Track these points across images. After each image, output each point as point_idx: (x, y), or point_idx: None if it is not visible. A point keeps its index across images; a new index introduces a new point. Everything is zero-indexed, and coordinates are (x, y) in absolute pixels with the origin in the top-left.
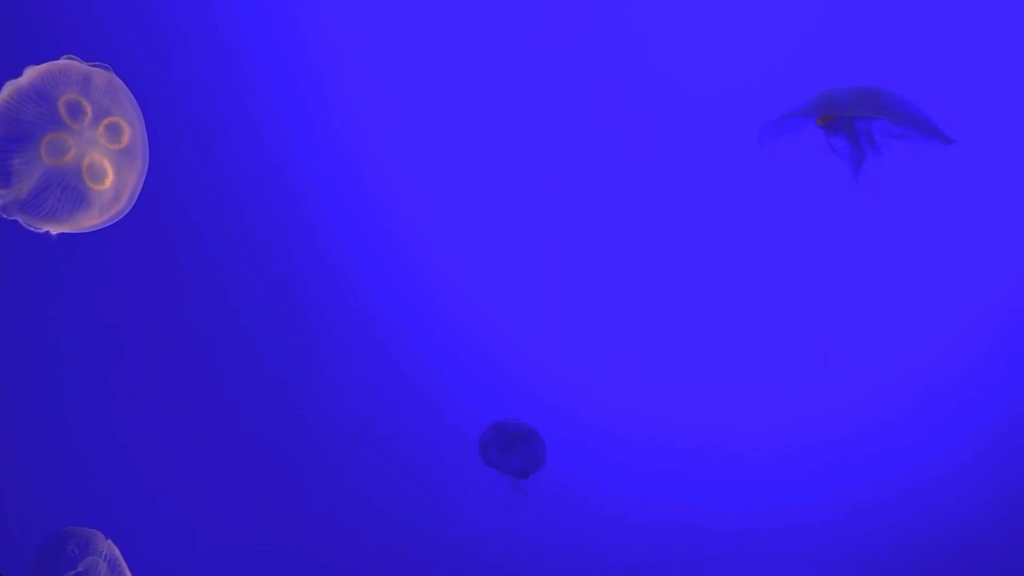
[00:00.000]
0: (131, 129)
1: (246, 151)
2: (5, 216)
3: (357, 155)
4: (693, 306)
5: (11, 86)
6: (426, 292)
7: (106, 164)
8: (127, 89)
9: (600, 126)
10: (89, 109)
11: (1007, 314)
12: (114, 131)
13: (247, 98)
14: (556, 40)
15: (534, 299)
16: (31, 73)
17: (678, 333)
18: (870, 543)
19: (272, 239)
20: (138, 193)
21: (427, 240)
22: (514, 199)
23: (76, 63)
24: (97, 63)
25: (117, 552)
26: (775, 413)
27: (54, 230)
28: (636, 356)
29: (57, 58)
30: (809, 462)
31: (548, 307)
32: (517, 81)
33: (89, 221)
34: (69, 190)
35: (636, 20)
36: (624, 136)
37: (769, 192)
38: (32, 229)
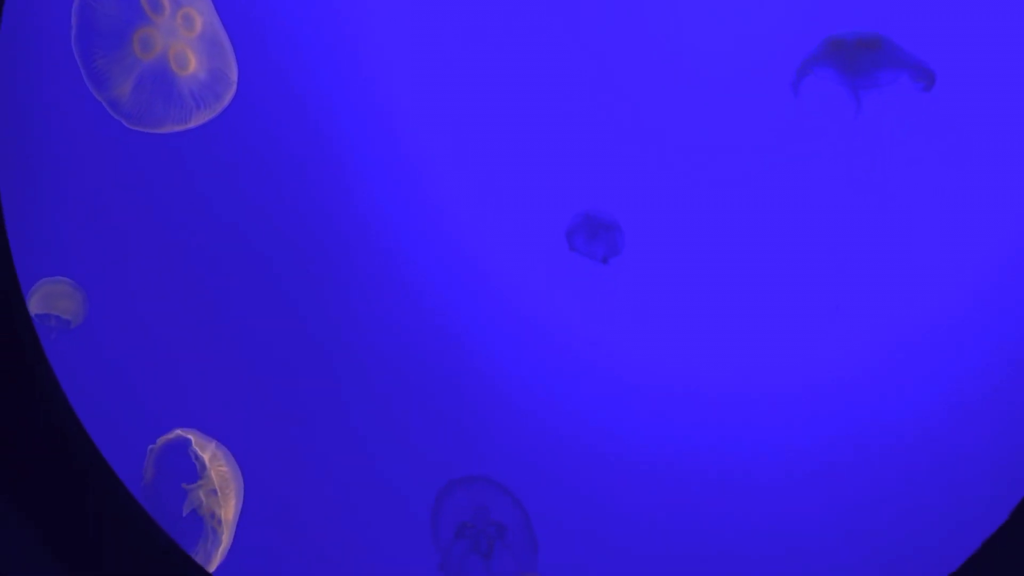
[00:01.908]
0: (201, 16)
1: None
2: (112, 113)
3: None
4: (684, 254)
5: None
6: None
7: (188, 52)
8: None
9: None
10: (166, 1)
11: (998, 266)
12: (188, 20)
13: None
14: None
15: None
16: None
17: (670, 280)
18: (857, 491)
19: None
20: (236, 77)
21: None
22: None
23: None
24: None
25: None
26: (767, 360)
27: (156, 129)
28: (637, 307)
29: None
30: (799, 409)
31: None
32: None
33: (188, 115)
34: (161, 83)
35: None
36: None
37: (777, 138)
38: (134, 128)
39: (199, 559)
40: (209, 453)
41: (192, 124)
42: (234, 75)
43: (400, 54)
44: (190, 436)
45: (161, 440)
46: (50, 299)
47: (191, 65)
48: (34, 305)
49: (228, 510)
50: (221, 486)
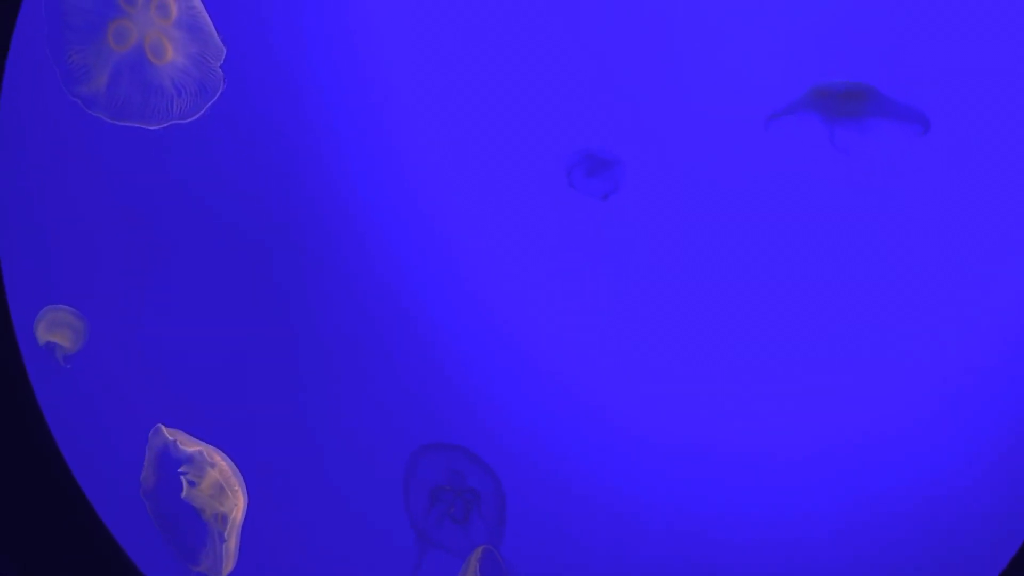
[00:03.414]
0: (176, 2)
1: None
2: (87, 110)
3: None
4: (702, 310)
5: None
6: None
7: (164, 40)
8: None
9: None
10: None
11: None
12: (163, 8)
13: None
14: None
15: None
16: None
17: (685, 337)
18: (881, 555)
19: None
20: (215, 68)
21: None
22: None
23: None
24: None
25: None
26: (784, 421)
27: (139, 123)
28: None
29: None
30: (820, 472)
31: (564, 297)
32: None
33: (170, 105)
34: (138, 73)
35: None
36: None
37: (775, 190)
38: (114, 123)
39: (208, 564)
40: (208, 454)
41: (177, 114)
42: (218, 60)
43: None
44: (188, 442)
45: (158, 441)
46: (52, 328)
47: (168, 53)
48: (39, 334)
49: (235, 510)
50: (226, 487)
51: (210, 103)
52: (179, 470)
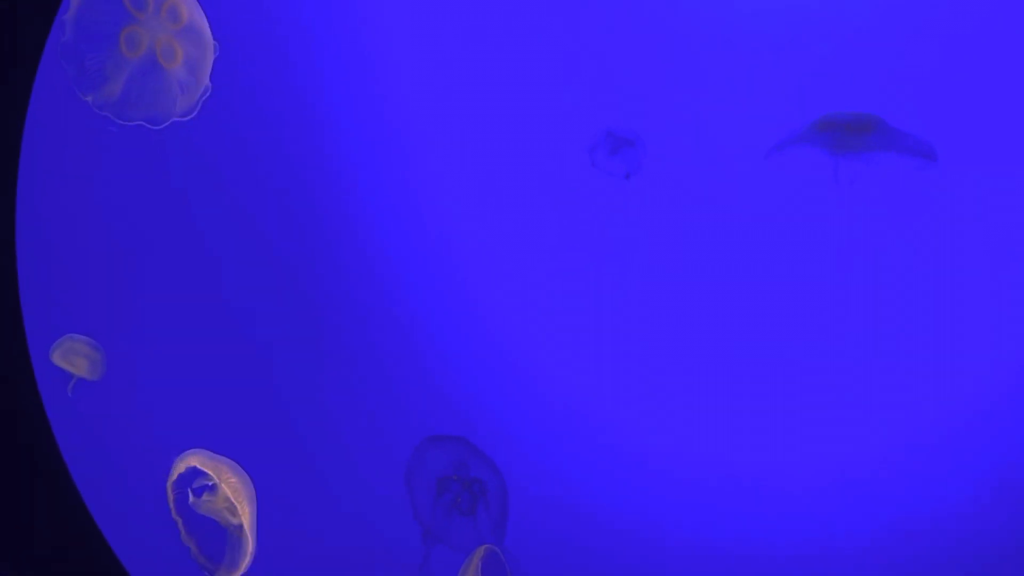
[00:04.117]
0: (186, 7)
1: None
2: (99, 112)
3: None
4: (719, 339)
5: None
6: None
7: (175, 44)
8: None
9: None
10: None
11: None
12: (173, 13)
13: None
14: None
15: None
16: None
17: (704, 365)
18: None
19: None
20: (211, 67)
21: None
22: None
23: None
24: None
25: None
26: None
27: (145, 119)
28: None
29: None
30: (843, 496)
31: (562, 310)
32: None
33: (174, 104)
34: (149, 77)
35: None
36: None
37: (795, 220)
38: (124, 123)
39: (228, 567)
40: (216, 469)
41: (180, 113)
42: (212, 58)
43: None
44: (197, 459)
45: (175, 471)
46: (69, 357)
47: (178, 57)
48: (55, 359)
49: (246, 517)
50: (235, 496)
51: (204, 98)
52: (192, 487)
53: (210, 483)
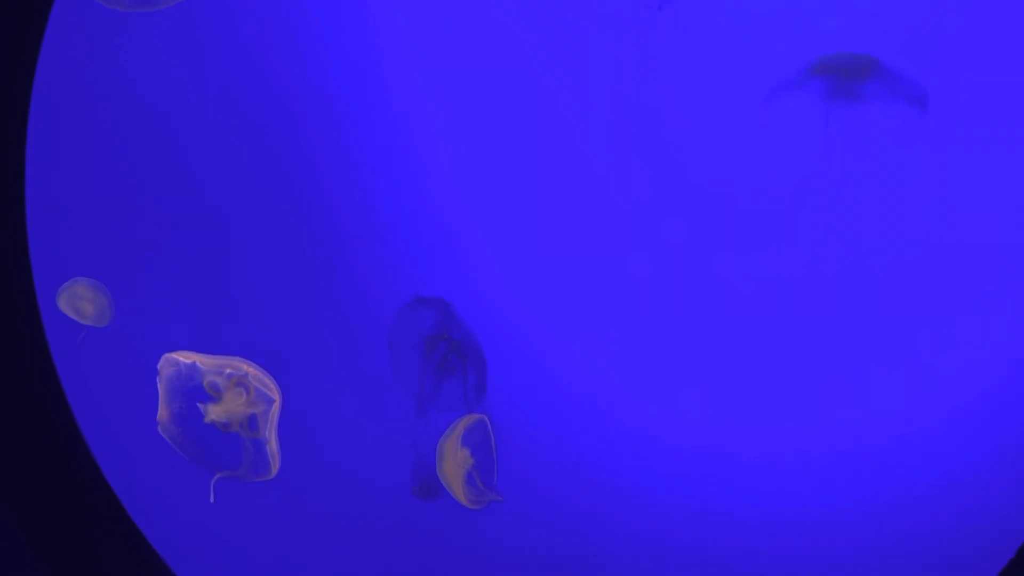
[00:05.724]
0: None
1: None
2: None
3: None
4: (716, 304)
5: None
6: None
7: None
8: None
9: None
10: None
11: None
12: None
13: None
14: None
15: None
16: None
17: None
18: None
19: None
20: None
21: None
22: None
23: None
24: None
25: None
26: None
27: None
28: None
29: None
30: (835, 466)
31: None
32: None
33: None
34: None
35: None
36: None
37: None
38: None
39: (247, 476)
40: (220, 364)
41: None
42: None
43: None
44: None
45: (169, 369)
46: (74, 302)
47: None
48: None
49: (273, 406)
50: (258, 385)
51: None
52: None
53: (219, 382)
